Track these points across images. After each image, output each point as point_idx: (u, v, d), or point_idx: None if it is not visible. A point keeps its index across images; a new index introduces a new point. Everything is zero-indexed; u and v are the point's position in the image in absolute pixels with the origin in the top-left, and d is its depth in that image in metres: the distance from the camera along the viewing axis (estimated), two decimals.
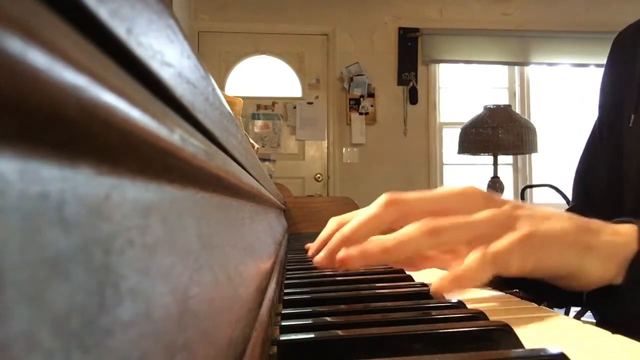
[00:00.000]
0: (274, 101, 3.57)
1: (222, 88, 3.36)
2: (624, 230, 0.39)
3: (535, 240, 0.36)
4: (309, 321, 0.31)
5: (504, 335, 0.27)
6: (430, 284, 0.35)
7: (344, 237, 0.40)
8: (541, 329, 0.33)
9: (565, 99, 3.76)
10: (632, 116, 0.63)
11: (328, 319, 0.32)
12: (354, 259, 0.37)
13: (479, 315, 0.32)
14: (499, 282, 0.47)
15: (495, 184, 2.98)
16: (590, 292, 0.39)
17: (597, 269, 0.37)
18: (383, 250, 0.36)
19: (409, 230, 0.36)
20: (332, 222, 0.52)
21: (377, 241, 0.37)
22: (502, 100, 3.60)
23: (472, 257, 0.34)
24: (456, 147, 3.01)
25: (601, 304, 0.40)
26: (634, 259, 0.37)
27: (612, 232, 0.38)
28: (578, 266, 0.37)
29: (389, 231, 0.43)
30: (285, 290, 0.43)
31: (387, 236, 0.37)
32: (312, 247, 0.70)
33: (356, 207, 1.50)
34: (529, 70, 3.79)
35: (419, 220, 0.38)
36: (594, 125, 0.72)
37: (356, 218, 0.40)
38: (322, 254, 0.42)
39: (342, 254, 0.37)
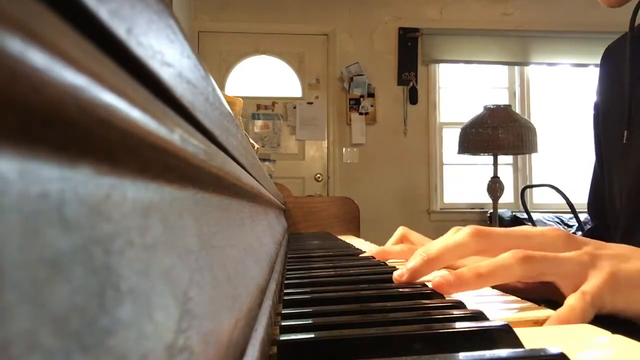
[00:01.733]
0: (274, 101, 3.57)
1: (222, 88, 3.36)
2: None
3: (621, 280, 0.37)
4: (309, 321, 0.31)
5: (504, 335, 0.27)
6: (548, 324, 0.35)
7: (430, 258, 0.42)
8: (541, 329, 0.33)
9: (565, 99, 3.77)
10: (625, 132, 0.64)
11: (328, 319, 0.32)
12: (450, 285, 0.38)
13: (479, 315, 0.32)
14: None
15: (495, 184, 2.98)
16: None
17: None
18: (477, 276, 0.38)
19: (503, 257, 0.38)
20: (400, 231, 0.56)
21: (471, 267, 0.38)
22: (502, 100, 3.60)
23: (574, 299, 0.35)
24: (456, 147, 3.02)
25: None
26: None
27: None
28: None
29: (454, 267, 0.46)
30: (285, 290, 0.43)
31: (480, 264, 0.38)
32: (376, 254, 0.71)
33: (356, 207, 1.50)
34: (529, 70, 3.79)
35: (499, 254, 0.40)
36: (595, 159, 0.73)
37: (441, 242, 0.42)
38: (402, 269, 0.44)
39: (438, 279, 0.39)
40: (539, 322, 0.35)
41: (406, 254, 0.67)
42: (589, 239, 0.42)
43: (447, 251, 0.42)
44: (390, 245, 0.73)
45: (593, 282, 0.37)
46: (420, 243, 0.73)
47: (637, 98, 0.63)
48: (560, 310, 0.35)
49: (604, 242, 0.41)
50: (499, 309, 0.38)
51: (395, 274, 0.45)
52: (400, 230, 0.75)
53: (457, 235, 0.42)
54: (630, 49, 0.65)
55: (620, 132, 0.64)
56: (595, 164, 0.74)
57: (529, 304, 0.39)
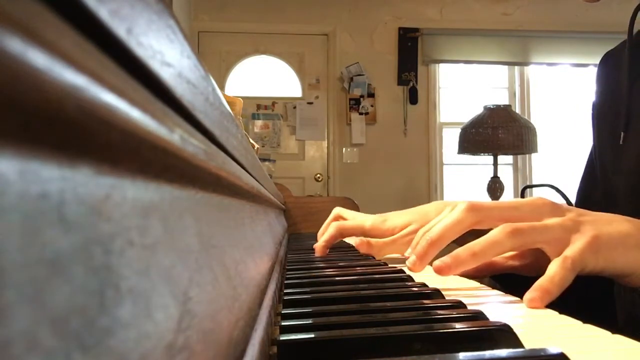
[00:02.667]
0: (274, 101, 3.57)
1: (222, 88, 3.36)
2: None
3: (602, 242, 0.40)
4: (309, 321, 0.31)
5: (504, 335, 0.27)
6: (525, 299, 0.37)
7: (432, 240, 0.44)
8: (541, 329, 0.33)
9: (565, 99, 3.76)
10: (622, 134, 0.64)
11: (328, 319, 0.32)
12: (449, 267, 0.41)
13: (479, 315, 0.32)
14: (508, 284, 0.49)
15: (495, 184, 2.98)
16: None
17: None
18: (472, 255, 0.41)
19: (494, 234, 0.41)
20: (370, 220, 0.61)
21: (466, 247, 0.41)
22: (502, 100, 3.60)
23: (554, 266, 0.38)
24: (456, 147, 3.02)
25: None
26: None
27: None
28: None
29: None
30: (285, 290, 0.43)
31: (473, 242, 0.41)
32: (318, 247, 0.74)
33: (356, 207, 1.50)
34: (529, 70, 3.79)
35: (493, 225, 0.43)
36: (591, 147, 0.74)
37: (441, 223, 0.45)
38: (413, 258, 0.45)
39: (438, 263, 0.42)
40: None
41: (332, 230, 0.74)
42: (572, 207, 0.45)
43: (448, 230, 0.44)
44: (323, 226, 0.81)
45: (575, 246, 0.39)
46: (354, 218, 0.78)
47: (635, 100, 0.64)
48: (541, 279, 0.37)
49: (586, 210, 0.44)
50: (499, 309, 0.38)
51: (408, 263, 0.46)
52: (335, 210, 0.83)
53: (453, 213, 0.45)
54: (629, 53, 0.66)
55: (616, 134, 0.65)
56: (587, 164, 0.75)
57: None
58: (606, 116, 0.70)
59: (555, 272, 0.38)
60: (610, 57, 0.73)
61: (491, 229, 0.43)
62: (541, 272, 0.41)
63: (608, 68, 0.73)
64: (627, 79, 0.64)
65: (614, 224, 0.42)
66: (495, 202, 0.46)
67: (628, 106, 0.64)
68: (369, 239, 0.70)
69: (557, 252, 0.40)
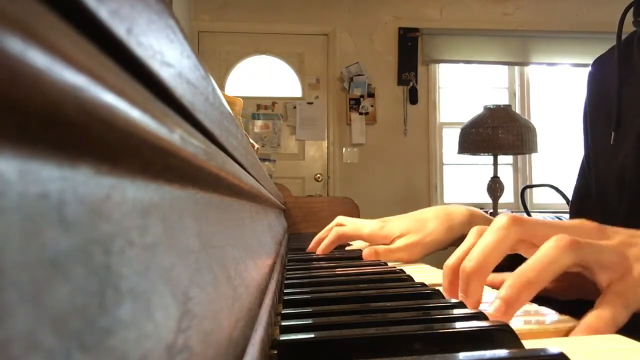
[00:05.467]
0: (274, 101, 3.57)
1: (222, 88, 3.36)
2: None
3: None
4: (309, 321, 0.31)
5: (504, 335, 0.27)
6: (584, 330, 0.32)
7: (470, 273, 0.36)
8: (540, 329, 0.33)
9: (565, 99, 3.76)
10: (613, 134, 0.64)
11: (328, 319, 0.32)
12: (502, 312, 0.33)
13: (479, 315, 0.32)
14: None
15: (495, 184, 2.98)
16: None
17: None
18: (528, 286, 0.33)
19: (547, 251, 0.34)
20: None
21: (517, 278, 0.33)
22: (502, 100, 3.60)
23: (604, 303, 0.33)
24: (456, 147, 3.01)
25: None
26: None
27: None
28: None
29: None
30: (285, 290, 0.43)
31: (524, 268, 0.34)
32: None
33: (356, 207, 1.50)
34: (529, 70, 3.79)
35: (537, 244, 0.36)
36: (583, 155, 0.74)
37: (481, 244, 0.37)
38: (460, 291, 0.38)
39: (491, 311, 0.33)
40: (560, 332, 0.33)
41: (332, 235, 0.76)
42: (618, 227, 0.39)
43: (491, 252, 0.37)
44: (323, 231, 0.81)
45: (629, 280, 0.34)
46: (353, 223, 0.79)
47: (624, 100, 0.64)
48: (588, 316, 0.32)
49: (635, 230, 0.39)
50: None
51: (468, 304, 0.37)
52: (337, 219, 0.83)
53: (491, 230, 0.38)
54: (619, 54, 0.66)
55: (607, 135, 0.65)
56: (581, 167, 0.75)
57: (536, 307, 0.39)
58: (598, 118, 0.70)
59: (605, 310, 0.32)
60: (600, 62, 0.74)
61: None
62: (575, 294, 0.38)
63: (599, 72, 0.73)
64: (617, 79, 0.65)
65: None
66: (539, 219, 0.39)
67: (618, 106, 0.64)
68: (375, 247, 0.70)
69: (610, 279, 0.34)
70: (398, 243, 0.70)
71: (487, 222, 0.65)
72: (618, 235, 0.38)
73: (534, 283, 0.33)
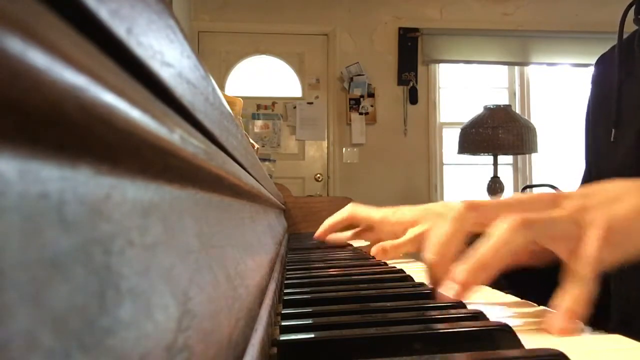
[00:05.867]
0: (274, 101, 3.57)
1: (222, 88, 3.36)
2: None
3: (618, 230, 0.35)
4: (309, 321, 0.31)
5: (504, 335, 0.27)
6: (553, 327, 0.31)
7: (434, 265, 0.38)
8: (541, 329, 0.33)
9: (565, 99, 3.76)
10: (613, 131, 0.65)
11: (328, 319, 0.32)
12: (459, 294, 0.34)
13: (478, 315, 0.32)
14: (501, 283, 0.46)
15: (495, 184, 2.98)
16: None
17: None
18: (483, 268, 0.34)
19: (500, 233, 0.34)
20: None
21: (473, 262, 0.34)
22: (502, 100, 3.60)
23: (574, 279, 0.33)
24: (456, 147, 3.02)
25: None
26: None
27: None
28: None
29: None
30: (285, 290, 0.43)
31: (479, 251, 0.34)
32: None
33: None
34: (529, 70, 3.79)
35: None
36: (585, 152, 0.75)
37: (441, 234, 0.39)
38: (428, 282, 0.39)
39: (452, 295, 0.34)
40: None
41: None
42: (571, 192, 0.40)
43: (448, 243, 0.38)
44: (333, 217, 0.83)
45: (589, 248, 0.34)
46: (368, 216, 0.80)
47: (624, 98, 0.64)
48: (565, 301, 0.32)
49: (589, 189, 0.39)
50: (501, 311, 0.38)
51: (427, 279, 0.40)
52: (348, 207, 0.82)
53: (450, 220, 0.39)
54: (619, 52, 0.66)
55: (608, 132, 0.66)
56: (585, 167, 0.76)
57: (531, 305, 0.39)
58: (600, 117, 0.70)
59: (580, 291, 0.33)
60: (603, 60, 0.74)
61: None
62: (548, 259, 0.38)
63: (601, 70, 0.74)
64: (617, 77, 0.65)
65: (624, 199, 0.37)
66: (494, 200, 0.40)
67: (618, 104, 0.65)
68: (382, 244, 0.70)
69: (568, 250, 0.35)
70: (408, 234, 0.70)
71: None
72: (571, 201, 0.38)
73: (489, 265, 0.34)
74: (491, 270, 0.34)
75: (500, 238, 0.34)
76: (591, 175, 0.72)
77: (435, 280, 0.38)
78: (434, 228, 0.40)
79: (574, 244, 0.35)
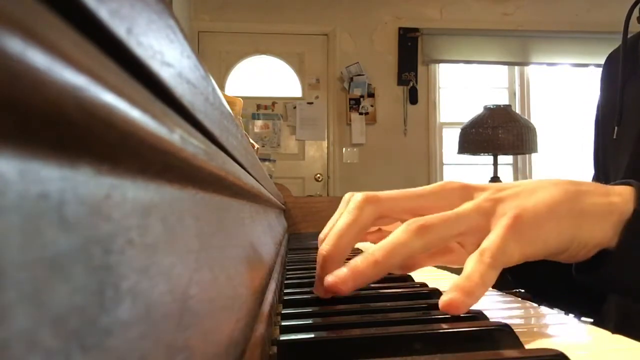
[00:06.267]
0: (274, 101, 3.57)
1: (222, 88, 3.36)
2: (619, 190, 0.37)
3: (526, 221, 0.33)
4: (309, 321, 0.31)
5: (504, 335, 0.27)
6: (441, 303, 0.31)
7: (326, 256, 0.36)
8: (540, 329, 0.33)
9: (565, 99, 3.76)
10: (616, 128, 0.65)
11: (328, 319, 0.32)
12: (346, 282, 0.32)
13: (478, 315, 0.32)
14: (500, 282, 0.46)
15: None
16: (579, 263, 0.37)
17: (594, 234, 0.35)
18: (374, 264, 0.33)
19: (396, 235, 0.33)
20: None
21: (366, 256, 0.33)
22: (502, 100, 3.60)
23: (471, 263, 0.32)
24: (456, 147, 3.01)
25: (589, 272, 0.37)
26: (630, 219, 0.35)
27: (604, 193, 0.36)
28: (577, 236, 0.35)
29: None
30: (285, 290, 0.43)
31: (374, 247, 0.34)
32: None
33: None
34: (529, 70, 3.79)
35: (400, 219, 0.37)
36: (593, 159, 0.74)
37: (334, 229, 0.37)
38: (316, 283, 0.37)
39: (331, 278, 0.33)
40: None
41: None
42: (489, 184, 0.38)
43: (342, 237, 0.36)
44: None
45: (493, 235, 0.33)
46: None
47: (627, 96, 0.65)
48: (457, 279, 0.32)
49: (506, 183, 0.38)
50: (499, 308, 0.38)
51: (313, 290, 0.38)
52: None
53: (345, 211, 0.37)
54: (624, 51, 0.66)
55: (612, 130, 0.66)
56: (594, 165, 0.76)
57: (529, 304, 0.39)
58: (607, 115, 0.70)
59: (473, 270, 0.31)
60: (611, 58, 0.74)
61: None
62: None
63: (609, 69, 0.74)
64: (621, 75, 0.65)
65: (538, 192, 0.35)
66: (397, 191, 0.38)
67: (621, 101, 0.65)
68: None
69: (477, 243, 0.34)
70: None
71: None
72: (482, 193, 0.37)
73: (380, 263, 0.33)
74: (382, 268, 0.33)
75: (397, 239, 0.33)
76: (598, 173, 0.72)
77: (324, 270, 0.35)
78: (338, 218, 0.38)
79: (481, 235, 0.34)
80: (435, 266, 0.63)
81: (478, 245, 0.33)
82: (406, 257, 0.33)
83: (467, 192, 0.37)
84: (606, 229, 0.35)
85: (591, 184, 0.38)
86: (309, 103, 3.58)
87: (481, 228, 0.34)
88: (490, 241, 0.33)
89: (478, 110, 2.93)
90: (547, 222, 0.34)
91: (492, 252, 0.32)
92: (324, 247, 0.36)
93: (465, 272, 0.32)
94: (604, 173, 0.70)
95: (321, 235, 0.40)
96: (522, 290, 0.51)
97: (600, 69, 0.75)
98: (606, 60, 0.75)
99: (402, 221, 0.36)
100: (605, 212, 0.35)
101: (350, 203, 0.37)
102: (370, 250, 0.33)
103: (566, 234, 0.35)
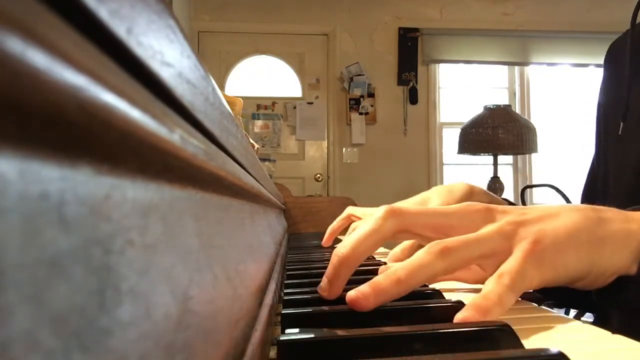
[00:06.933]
0: (274, 101, 3.57)
1: (222, 88, 3.36)
2: (637, 216, 0.37)
3: (547, 247, 0.34)
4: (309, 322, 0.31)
5: (504, 335, 0.27)
6: (455, 318, 0.31)
7: (342, 258, 0.36)
8: (541, 329, 0.33)
9: (565, 99, 3.77)
10: (622, 124, 0.64)
11: (328, 319, 0.32)
12: (367, 299, 0.32)
13: None
14: (536, 297, 0.46)
15: (495, 184, 2.98)
16: (598, 289, 0.37)
17: (614, 261, 0.35)
18: (397, 283, 0.33)
19: (420, 256, 0.34)
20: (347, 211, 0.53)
21: (389, 275, 0.33)
22: (502, 100, 3.60)
23: (490, 284, 0.32)
24: (456, 147, 3.02)
25: (611, 297, 0.37)
26: None
27: (624, 219, 0.37)
28: (596, 262, 0.35)
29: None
30: (285, 290, 0.43)
31: (397, 265, 0.34)
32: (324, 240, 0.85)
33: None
34: (529, 70, 3.79)
35: (421, 234, 0.37)
36: (594, 151, 0.74)
37: (354, 234, 0.37)
38: (323, 283, 0.37)
39: (353, 293, 0.33)
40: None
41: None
42: (511, 206, 0.38)
43: (361, 243, 0.36)
44: (335, 222, 0.88)
45: (512, 260, 0.33)
46: (364, 214, 0.85)
47: (635, 92, 0.64)
48: (475, 297, 0.32)
49: (529, 207, 0.38)
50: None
51: (319, 288, 0.37)
52: (347, 210, 0.88)
53: (369, 220, 0.37)
54: (631, 43, 0.66)
55: (616, 125, 0.65)
56: (593, 158, 0.75)
57: (530, 305, 0.39)
58: (609, 109, 0.69)
59: (491, 290, 0.32)
60: (613, 49, 0.73)
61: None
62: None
63: (611, 60, 0.72)
64: (628, 71, 0.64)
65: (560, 217, 0.35)
66: (422, 207, 0.39)
67: (627, 97, 0.64)
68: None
69: (497, 265, 0.34)
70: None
71: (487, 197, 0.65)
72: (505, 216, 0.37)
73: (402, 282, 0.33)
74: (403, 288, 0.33)
75: (421, 260, 0.34)
76: (599, 169, 0.71)
77: (336, 272, 0.36)
78: (359, 226, 0.38)
79: (502, 258, 0.34)
80: None
81: (497, 268, 0.33)
82: (428, 278, 0.34)
83: (490, 214, 0.37)
84: (626, 255, 0.35)
85: (611, 210, 0.38)
86: (309, 103, 3.58)
87: (502, 251, 0.34)
88: (510, 265, 0.33)
89: (478, 110, 2.93)
90: (567, 248, 0.34)
91: (511, 276, 0.32)
92: (341, 249, 0.36)
93: (483, 292, 0.32)
94: (604, 169, 0.69)
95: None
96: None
97: (601, 69, 0.74)
98: (607, 53, 0.74)
99: (422, 237, 0.37)
100: (624, 238, 0.36)
101: (375, 213, 0.37)
102: (393, 269, 0.34)
103: (586, 260, 0.35)
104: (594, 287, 0.37)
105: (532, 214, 0.36)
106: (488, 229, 0.35)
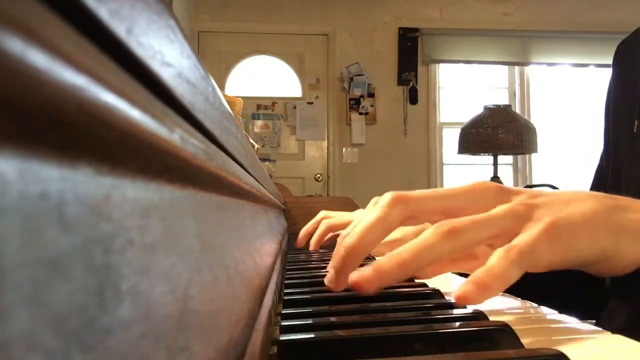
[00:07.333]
0: (274, 101, 3.57)
1: (222, 88, 3.36)
2: None
3: (562, 228, 0.32)
4: (309, 321, 0.31)
5: (504, 335, 0.27)
6: (454, 294, 0.30)
7: (349, 248, 0.34)
8: (539, 328, 0.33)
9: (565, 99, 3.76)
10: (636, 122, 0.63)
11: (328, 319, 0.32)
12: (370, 281, 0.31)
13: (478, 315, 0.32)
14: (517, 290, 0.45)
15: None
16: (616, 277, 0.36)
17: (633, 250, 0.34)
18: (400, 265, 0.31)
19: (425, 237, 0.32)
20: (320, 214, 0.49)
21: (393, 256, 0.32)
22: (502, 100, 3.60)
23: (495, 257, 0.30)
24: (456, 147, 3.02)
25: (629, 289, 0.36)
26: None
27: None
28: (613, 249, 0.34)
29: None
30: (285, 290, 0.43)
31: (401, 248, 0.32)
32: (298, 241, 0.81)
33: (356, 207, 1.50)
34: (529, 70, 3.79)
35: (429, 220, 0.35)
36: (603, 149, 0.72)
37: (360, 223, 0.35)
38: (331, 273, 0.35)
39: (355, 275, 0.32)
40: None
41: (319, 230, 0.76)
42: (524, 188, 0.37)
43: (367, 232, 0.34)
44: (308, 225, 0.82)
45: (526, 235, 0.32)
46: (337, 216, 0.79)
47: None
48: (477, 271, 0.30)
49: (540, 190, 0.37)
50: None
51: (326, 280, 0.36)
52: (320, 213, 0.82)
53: (374, 208, 0.36)
54: None
55: (630, 123, 0.64)
56: (601, 155, 0.74)
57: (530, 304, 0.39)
58: (620, 106, 0.69)
59: (495, 264, 0.30)
60: (624, 46, 0.72)
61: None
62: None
63: (625, 55, 0.71)
64: None
65: (574, 203, 0.34)
66: (428, 190, 0.37)
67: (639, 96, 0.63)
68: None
69: (504, 244, 0.32)
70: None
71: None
72: (519, 196, 0.35)
73: (406, 264, 0.32)
74: (408, 270, 0.32)
75: (426, 241, 0.32)
76: (608, 167, 0.71)
77: (344, 263, 0.34)
78: (363, 216, 0.36)
79: (511, 237, 0.32)
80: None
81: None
82: (434, 259, 0.32)
83: (502, 193, 0.36)
84: None
85: (627, 199, 0.37)
86: (309, 103, 3.58)
87: (514, 231, 0.33)
88: (521, 239, 0.31)
89: (478, 110, 2.93)
90: (582, 232, 0.33)
91: (521, 249, 0.31)
92: (348, 240, 0.35)
93: (486, 265, 0.30)
94: (614, 167, 0.68)
95: (344, 232, 0.38)
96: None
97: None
98: (617, 51, 0.73)
99: (432, 222, 0.35)
100: None
101: (380, 201, 0.36)
102: (397, 250, 0.32)
103: (600, 245, 0.34)
104: (609, 274, 0.36)
105: (546, 197, 0.35)
106: (500, 209, 0.34)
